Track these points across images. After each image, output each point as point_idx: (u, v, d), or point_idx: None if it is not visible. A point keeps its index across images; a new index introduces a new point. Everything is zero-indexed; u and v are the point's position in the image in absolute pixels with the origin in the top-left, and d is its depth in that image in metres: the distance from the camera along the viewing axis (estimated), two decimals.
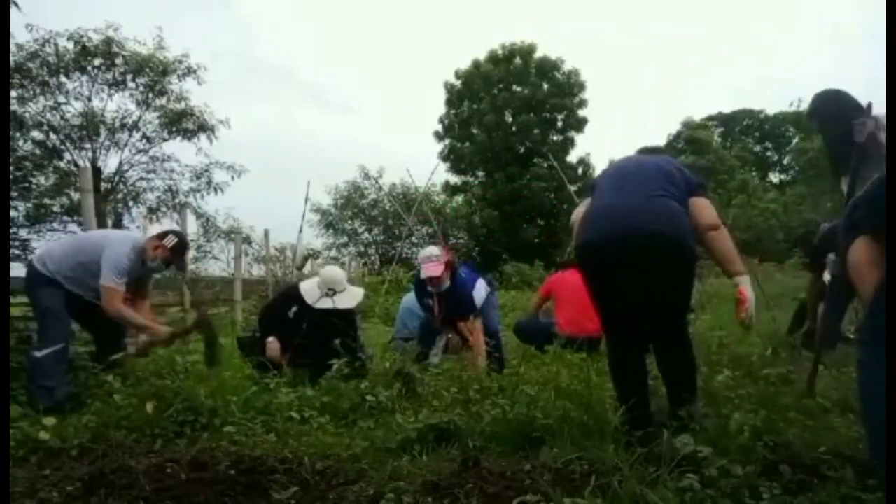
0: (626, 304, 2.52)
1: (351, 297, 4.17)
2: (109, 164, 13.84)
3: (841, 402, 2.74)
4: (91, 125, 13.20)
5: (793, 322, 5.21)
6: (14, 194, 12.28)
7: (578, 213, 2.79)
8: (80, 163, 13.20)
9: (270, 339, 3.98)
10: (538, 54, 25.10)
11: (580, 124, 25.31)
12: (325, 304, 4.06)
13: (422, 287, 4.68)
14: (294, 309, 4.13)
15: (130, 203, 14.17)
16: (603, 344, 5.56)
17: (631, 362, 2.60)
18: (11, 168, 11.82)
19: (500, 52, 25.32)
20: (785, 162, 39.20)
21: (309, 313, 4.07)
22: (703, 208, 2.56)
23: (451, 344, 4.81)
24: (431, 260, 4.46)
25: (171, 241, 3.72)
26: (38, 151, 13.09)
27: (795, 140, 34.51)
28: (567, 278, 5.23)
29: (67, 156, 13.63)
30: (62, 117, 13.21)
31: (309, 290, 4.16)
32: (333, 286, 4.11)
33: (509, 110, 24.93)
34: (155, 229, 4.06)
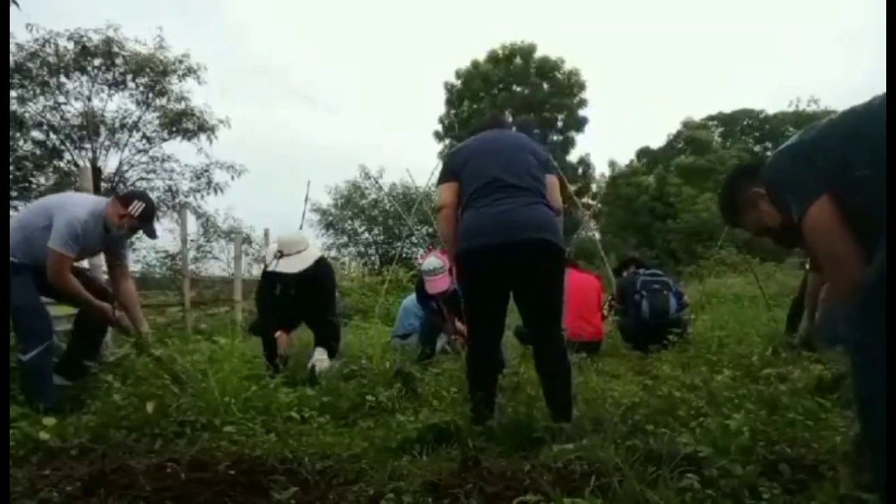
0: (503, 303, 2.71)
1: (294, 262, 4.02)
2: (109, 164, 13.88)
3: (841, 402, 2.73)
4: (91, 125, 13.20)
5: (788, 320, 5.19)
6: (14, 194, 12.29)
7: (446, 199, 2.75)
8: (80, 163, 13.21)
9: (278, 333, 4.03)
10: (538, 54, 25.14)
11: (580, 124, 25.39)
12: (275, 266, 3.99)
13: (424, 291, 4.64)
14: (278, 286, 4.15)
15: None
16: (602, 345, 5.64)
17: (493, 356, 2.78)
18: (11, 168, 11.83)
19: (500, 52, 25.34)
20: None
21: (287, 284, 4.09)
22: (554, 189, 2.76)
23: (459, 343, 4.72)
24: (436, 274, 4.34)
25: (137, 207, 3.37)
26: (38, 151, 13.10)
27: None
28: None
29: (67, 156, 13.66)
30: (62, 117, 13.22)
31: (270, 255, 4.15)
32: (282, 248, 4.05)
33: (509, 110, 24.94)
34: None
